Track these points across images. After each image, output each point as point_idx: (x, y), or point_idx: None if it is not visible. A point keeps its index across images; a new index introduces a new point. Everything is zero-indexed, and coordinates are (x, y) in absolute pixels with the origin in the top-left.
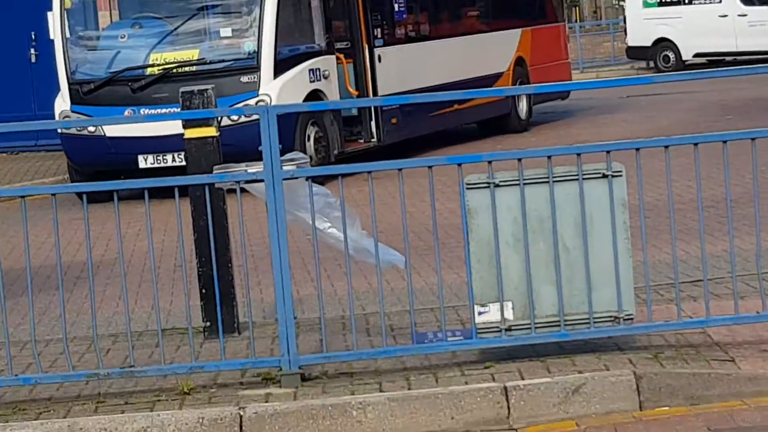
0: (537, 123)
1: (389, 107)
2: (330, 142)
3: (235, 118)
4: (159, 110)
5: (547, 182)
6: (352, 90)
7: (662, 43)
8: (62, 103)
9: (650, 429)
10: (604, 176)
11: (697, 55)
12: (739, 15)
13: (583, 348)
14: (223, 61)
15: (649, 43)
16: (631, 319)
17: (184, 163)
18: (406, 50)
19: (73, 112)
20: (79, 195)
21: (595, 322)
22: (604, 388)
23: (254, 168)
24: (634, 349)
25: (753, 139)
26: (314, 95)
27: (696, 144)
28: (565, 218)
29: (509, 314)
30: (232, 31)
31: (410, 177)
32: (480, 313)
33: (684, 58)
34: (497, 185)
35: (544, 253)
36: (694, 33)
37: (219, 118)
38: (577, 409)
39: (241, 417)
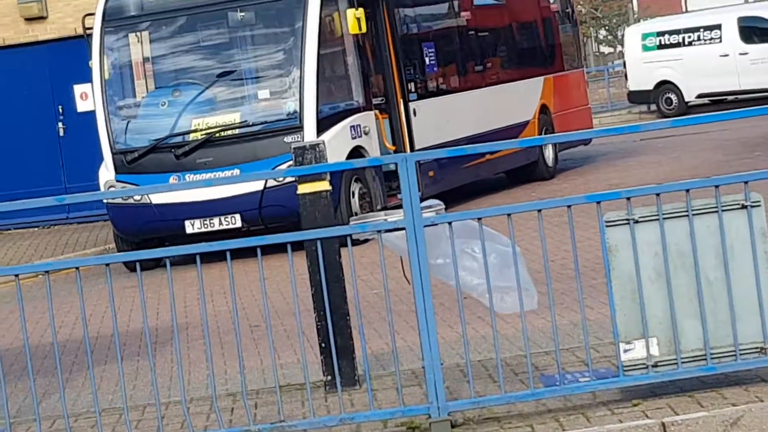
0: (562, 170)
1: (426, 161)
2: (373, 197)
3: (280, 180)
4: (204, 174)
5: (686, 216)
6: (389, 145)
7: (664, 85)
8: (107, 173)
9: None
10: (743, 207)
11: (700, 96)
12: (740, 54)
13: (725, 381)
14: (266, 122)
15: (650, 87)
16: None
17: (231, 226)
18: (438, 103)
19: (117, 181)
20: (128, 265)
21: (741, 354)
22: (763, 420)
23: (394, 217)
24: None
25: None
26: (356, 152)
27: None
28: (706, 251)
29: (655, 350)
30: (272, 92)
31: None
32: (625, 351)
33: (687, 99)
34: (636, 221)
35: (686, 287)
36: (695, 74)
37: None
38: None
39: None
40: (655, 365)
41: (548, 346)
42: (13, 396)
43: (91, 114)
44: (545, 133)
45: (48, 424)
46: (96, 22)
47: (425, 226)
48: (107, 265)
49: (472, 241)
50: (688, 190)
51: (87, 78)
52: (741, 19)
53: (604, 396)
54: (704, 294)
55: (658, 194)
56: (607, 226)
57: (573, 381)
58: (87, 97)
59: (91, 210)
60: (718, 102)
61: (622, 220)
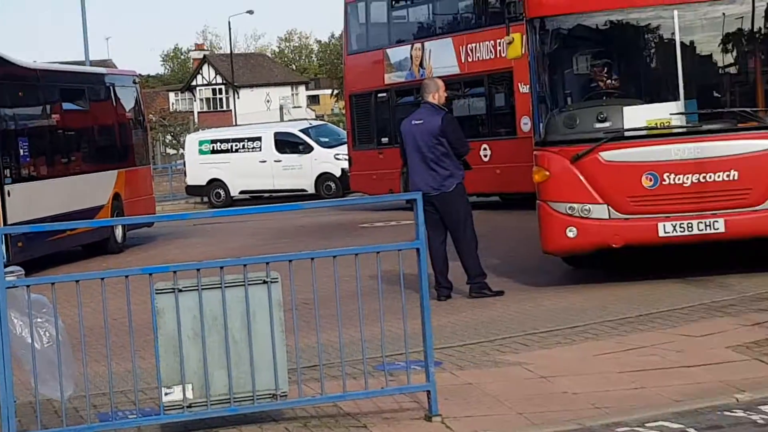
0: (129, 246)
1: (16, 234)
2: None
3: None
4: None
5: (220, 287)
6: None
7: (215, 182)
8: None
9: None
10: (264, 282)
11: (243, 192)
12: (275, 161)
13: (244, 420)
14: None
15: (204, 183)
16: (286, 395)
17: None
18: (30, 186)
19: None
20: None
21: (257, 399)
22: None
23: None
24: (287, 419)
25: (356, 254)
26: None
27: (334, 256)
28: (234, 316)
29: (190, 394)
30: None
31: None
32: (167, 394)
33: (232, 194)
34: (180, 290)
35: (217, 344)
36: (240, 174)
37: None
38: None
39: None
40: (189, 406)
41: (107, 388)
42: None
43: None
44: (116, 216)
45: None
46: None
47: (7, 288)
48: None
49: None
50: (222, 267)
51: None
52: (277, 134)
53: (148, 431)
54: (231, 350)
55: (198, 269)
56: (156, 293)
57: (123, 417)
58: None
59: None
60: (257, 197)
61: (169, 288)
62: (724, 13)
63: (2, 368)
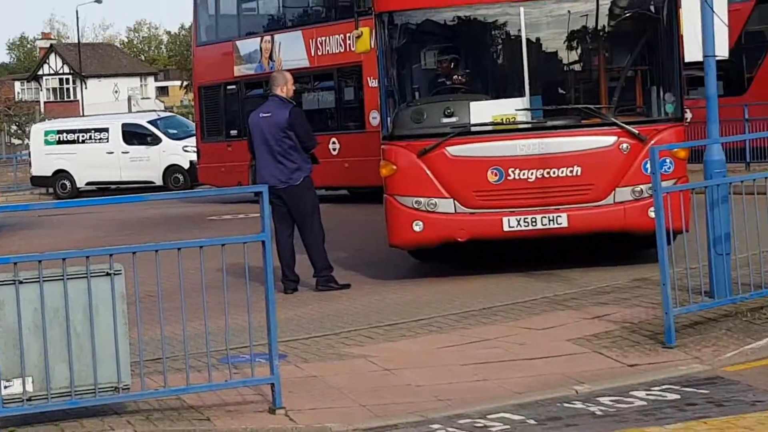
0: None
1: None
2: None
3: None
4: None
5: (62, 279)
6: None
7: (61, 173)
8: None
9: None
10: (108, 274)
11: (89, 183)
12: (123, 152)
13: (86, 413)
14: None
15: (50, 173)
16: (128, 388)
17: None
18: None
19: None
20: None
21: (99, 392)
22: None
23: None
24: (129, 412)
25: (201, 246)
26: None
27: (179, 249)
28: (76, 308)
29: (30, 387)
30: None
31: None
32: (6, 387)
33: (78, 185)
34: (21, 282)
35: (59, 337)
36: (86, 165)
37: None
38: None
39: None
40: (29, 399)
41: None
42: None
43: None
44: None
45: None
46: None
47: None
48: None
49: None
50: (64, 259)
51: None
52: (124, 125)
53: None
54: (73, 343)
55: (40, 261)
56: None
57: None
58: None
59: None
60: (104, 189)
61: (9, 280)
62: (569, 11)
63: None
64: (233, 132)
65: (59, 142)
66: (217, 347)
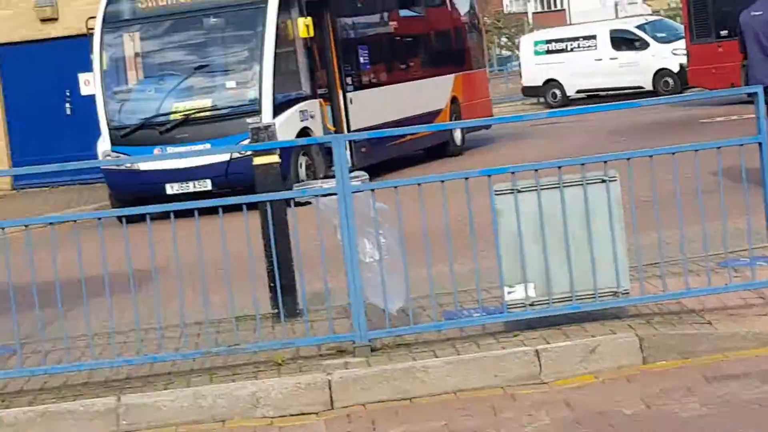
0: (468, 148)
1: (359, 139)
2: (317, 168)
3: (242, 153)
4: (182, 147)
5: (558, 187)
6: (330, 126)
7: (551, 83)
8: (104, 144)
9: (654, 378)
10: (603, 181)
11: (579, 92)
12: (611, 59)
13: (587, 318)
14: (232, 107)
15: (540, 83)
16: (628, 293)
17: (203, 189)
18: (370, 93)
19: (113, 151)
20: (119, 219)
21: (599, 296)
22: (615, 348)
23: (327, 184)
24: (630, 317)
25: (696, 150)
26: (304, 132)
27: (673, 153)
28: (573, 215)
29: (532, 292)
30: (237, 83)
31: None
32: (509, 293)
33: (568, 94)
34: (519, 191)
35: (557, 244)
36: (576, 74)
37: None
38: (594, 365)
39: (329, 381)
40: (532, 304)
41: (450, 288)
42: (24, 323)
43: (92, 97)
44: (455, 119)
45: (50, 345)
46: (97, 24)
47: (353, 192)
48: (99, 219)
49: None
50: (560, 167)
51: (89, 68)
52: (612, 31)
53: (491, 328)
54: (571, 249)
55: (536, 170)
56: (495, 194)
57: (468, 316)
58: (89, 84)
59: (90, 174)
60: (593, 96)
61: (508, 190)
62: None
63: (351, 270)
64: (723, 32)
65: (548, 51)
66: (715, 251)
